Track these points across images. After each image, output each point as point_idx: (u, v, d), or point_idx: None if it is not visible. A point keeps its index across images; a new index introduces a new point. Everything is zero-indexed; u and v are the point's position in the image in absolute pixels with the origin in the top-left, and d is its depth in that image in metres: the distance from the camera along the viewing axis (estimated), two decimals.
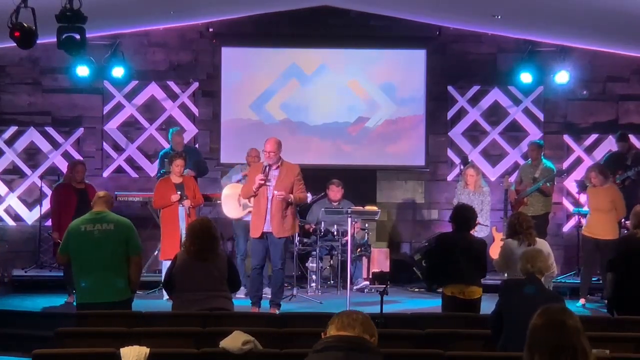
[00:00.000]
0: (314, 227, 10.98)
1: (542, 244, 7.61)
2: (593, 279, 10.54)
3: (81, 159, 11.26)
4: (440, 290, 8.00)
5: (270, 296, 9.19)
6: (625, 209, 9.93)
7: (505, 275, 7.97)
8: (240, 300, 9.03)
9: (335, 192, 11.21)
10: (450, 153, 12.47)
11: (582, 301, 10.07)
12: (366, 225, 11.21)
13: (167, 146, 11.72)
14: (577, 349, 3.20)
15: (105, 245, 6.95)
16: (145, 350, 5.25)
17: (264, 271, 9.41)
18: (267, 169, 8.83)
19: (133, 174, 12.39)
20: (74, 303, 7.75)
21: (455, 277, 7.49)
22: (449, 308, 7.46)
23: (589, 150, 12.36)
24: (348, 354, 3.54)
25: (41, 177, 12.07)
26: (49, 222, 11.96)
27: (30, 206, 12.28)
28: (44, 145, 12.34)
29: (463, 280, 7.50)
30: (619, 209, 10.03)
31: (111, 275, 6.95)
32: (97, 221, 7.03)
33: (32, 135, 12.33)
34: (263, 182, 8.78)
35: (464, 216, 7.75)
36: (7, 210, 12.32)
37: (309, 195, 10.59)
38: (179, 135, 11.21)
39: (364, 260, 11.10)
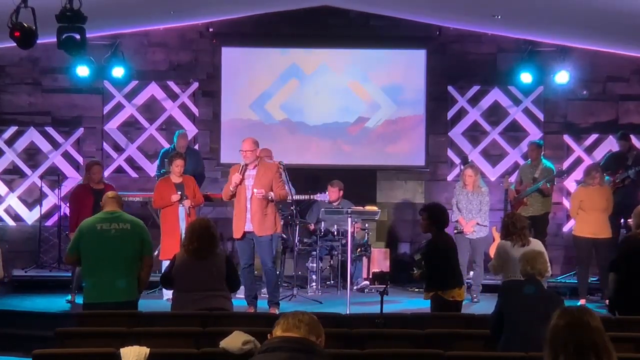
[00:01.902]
0: (313, 227, 10.99)
1: (536, 244, 7.58)
2: (592, 278, 10.53)
3: (97, 159, 11.20)
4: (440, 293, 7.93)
5: (267, 296, 9.20)
6: (612, 207, 10.10)
7: (501, 276, 7.94)
8: (240, 300, 9.03)
9: (331, 192, 11.19)
10: (450, 153, 12.47)
11: (582, 301, 10.05)
12: (366, 225, 11.21)
13: (167, 145, 11.73)
14: (602, 347, 3.23)
15: (122, 244, 6.98)
16: (145, 350, 5.25)
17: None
18: (243, 168, 8.87)
19: (133, 174, 12.39)
20: (77, 302, 7.75)
21: (455, 281, 7.45)
22: (441, 311, 7.37)
23: (589, 150, 12.36)
24: (292, 355, 3.50)
25: (41, 177, 12.06)
26: (49, 222, 12.00)
27: (30, 206, 12.28)
28: (44, 145, 12.34)
29: (460, 282, 7.50)
30: (610, 207, 10.11)
31: (121, 275, 6.96)
32: (112, 220, 7.04)
33: (32, 135, 12.33)
34: (239, 181, 8.81)
35: (445, 217, 7.64)
36: (7, 210, 12.32)
37: (326, 195, 10.57)
38: (183, 138, 11.25)
39: (364, 260, 11.10)
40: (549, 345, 3.28)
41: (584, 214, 10.13)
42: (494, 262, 7.81)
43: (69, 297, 9.77)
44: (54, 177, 11.96)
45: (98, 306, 6.87)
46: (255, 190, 8.81)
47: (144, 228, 7.17)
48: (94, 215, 7.42)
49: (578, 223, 10.27)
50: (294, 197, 9.84)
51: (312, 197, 10.55)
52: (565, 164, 12.27)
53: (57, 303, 9.82)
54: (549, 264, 7.52)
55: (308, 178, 11.62)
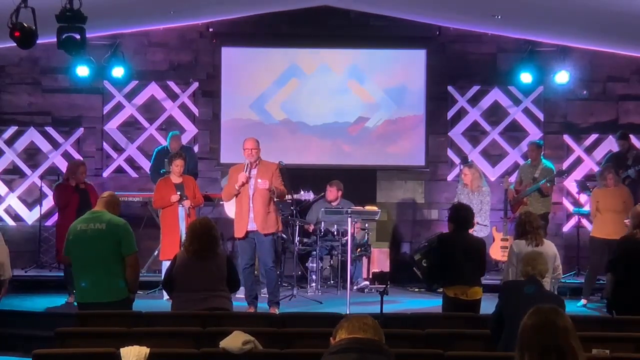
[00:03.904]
0: (313, 227, 10.98)
1: (549, 246, 7.56)
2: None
3: (81, 159, 11.25)
4: (440, 290, 7.97)
5: (267, 296, 9.20)
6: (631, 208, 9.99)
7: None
8: (240, 300, 9.02)
9: (330, 192, 11.20)
10: (450, 153, 12.47)
11: (584, 301, 10.04)
12: (366, 225, 11.21)
13: (164, 143, 11.71)
14: (566, 350, 3.20)
15: (97, 244, 6.90)
16: (145, 350, 5.25)
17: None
18: (248, 167, 8.87)
19: (133, 174, 12.39)
20: (75, 303, 7.75)
21: (458, 278, 7.45)
22: (451, 309, 7.43)
23: (589, 150, 12.36)
24: (363, 355, 3.56)
25: (41, 177, 12.07)
26: (49, 222, 12.00)
27: (30, 206, 12.28)
28: (44, 145, 12.34)
29: (466, 281, 7.47)
30: (629, 209, 9.97)
31: (106, 275, 6.90)
32: (91, 221, 7.01)
33: (32, 135, 12.34)
34: (246, 180, 8.81)
35: (463, 216, 7.72)
36: (7, 210, 12.33)
37: (311, 193, 10.57)
38: (176, 140, 11.18)
39: (364, 260, 11.10)
40: (517, 344, 3.29)
41: (600, 215, 10.10)
42: (510, 266, 7.55)
43: (68, 298, 9.78)
44: (54, 177, 11.95)
45: (88, 306, 6.85)
46: (259, 180, 8.80)
47: (122, 228, 6.97)
48: (83, 215, 7.42)
49: (595, 224, 10.25)
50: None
51: (294, 195, 10.46)
52: (565, 164, 12.27)
53: (57, 303, 9.82)
54: (559, 265, 7.54)
55: (308, 178, 11.60)
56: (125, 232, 6.99)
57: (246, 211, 8.92)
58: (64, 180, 10.11)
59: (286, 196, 9.40)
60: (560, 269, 7.65)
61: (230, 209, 10.15)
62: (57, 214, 11.78)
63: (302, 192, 10.57)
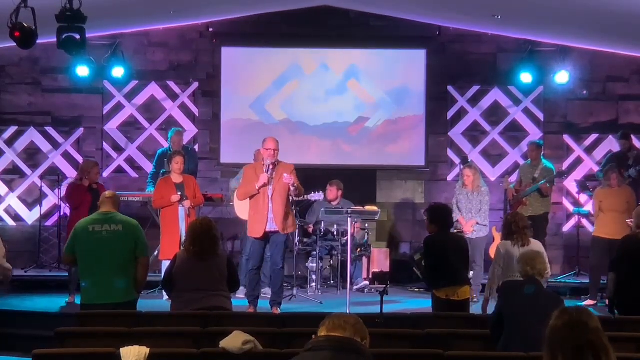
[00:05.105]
0: (313, 227, 10.98)
1: (537, 245, 7.56)
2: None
3: (92, 159, 11.24)
4: None
5: (269, 296, 9.20)
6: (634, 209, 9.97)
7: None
8: (240, 300, 9.03)
9: (330, 192, 11.20)
10: (450, 153, 12.47)
11: (589, 302, 10.03)
12: (366, 225, 11.21)
13: (167, 145, 11.73)
14: (600, 348, 3.23)
15: (114, 246, 6.92)
16: (145, 350, 5.24)
17: (266, 271, 9.42)
18: (269, 167, 8.85)
19: (133, 174, 12.39)
20: (76, 302, 7.75)
21: (450, 279, 7.43)
22: (442, 311, 7.38)
23: (589, 150, 12.36)
24: (337, 354, 3.53)
25: (41, 177, 12.07)
26: (49, 222, 12.00)
27: (30, 206, 12.28)
28: (44, 145, 12.34)
29: (456, 281, 7.46)
30: (632, 209, 9.95)
31: (117, 276, 6.91)
32: (105, 222, 6.98)
33: (32, 135, 12.34)
34: (267, 180, 8.80)
35: (445, 216, 7.65)
36: (7, 210, 12.33)
37: (321, 193, 10.60)
38: (178, 135, 11.20)
39: (364, 260, 11.10)
40: (548, 345, 3.30)
41: (602, 215, 10.12)
42: (497, 267, 7.62)
43: (68, 298, 9.78)
44: (54, 177, 11.96)
45: (95, 307, 6.84)
46: (285, 174, 8.78)
47: (137, 228, 7.05)
48: (90, 215, 7.41)
49: (597, 224, 10.25)
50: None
51: (305, 197, 10.51)
52: (565, 164, 12.27)
53: (57, 303, 9.82)
54: (548, 265, 7.52)
55: (308, 178, 11.60)
56: (140, 233, 7.06)
57: (264, 211, 8.86)
58: (77, 180, 10.09)
59: (302, 195, 9.41)
60: (549, 267, 7.63)
61: (240, 209, 10.09)
62: (56, 214, 11.86)
63: (313, 194, 10.60)
